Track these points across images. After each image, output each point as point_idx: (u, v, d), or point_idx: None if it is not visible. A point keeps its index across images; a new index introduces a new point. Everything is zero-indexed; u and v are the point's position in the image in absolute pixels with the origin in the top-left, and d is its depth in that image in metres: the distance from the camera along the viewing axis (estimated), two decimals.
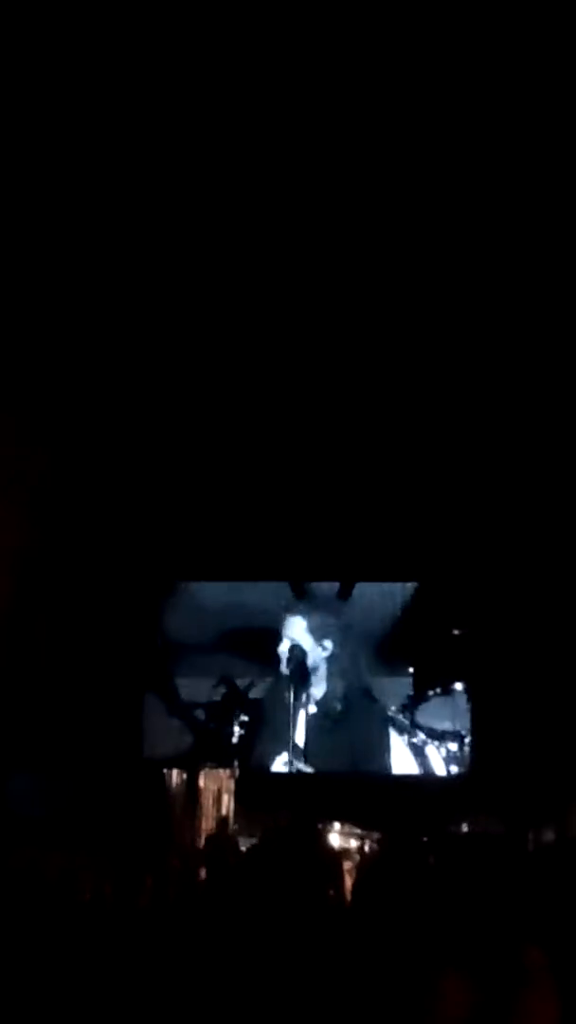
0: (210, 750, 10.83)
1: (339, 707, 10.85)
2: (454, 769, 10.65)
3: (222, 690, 11.16)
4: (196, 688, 11.19)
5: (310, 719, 10.83)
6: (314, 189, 8.60)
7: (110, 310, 9.58)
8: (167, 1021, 4.39)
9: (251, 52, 7.78)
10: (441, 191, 8.61)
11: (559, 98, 7.94)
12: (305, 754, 10.69)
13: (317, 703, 10.89)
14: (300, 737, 10.79)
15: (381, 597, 11.02)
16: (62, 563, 10.25)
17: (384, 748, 10.78)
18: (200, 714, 11.15)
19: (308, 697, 10.86)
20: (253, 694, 11.13)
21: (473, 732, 10.47)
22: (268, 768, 10.76)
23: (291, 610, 11.07)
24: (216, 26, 7.61)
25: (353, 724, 10.82)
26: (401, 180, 8.55)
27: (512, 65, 7.78)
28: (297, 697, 10.77)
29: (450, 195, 8.63)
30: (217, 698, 11.17)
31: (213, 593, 11.23)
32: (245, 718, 11.08)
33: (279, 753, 10.81)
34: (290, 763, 10.70)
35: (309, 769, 10.68)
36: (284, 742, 10.76)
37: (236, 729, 11.08)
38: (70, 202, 8.71)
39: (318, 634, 11.03)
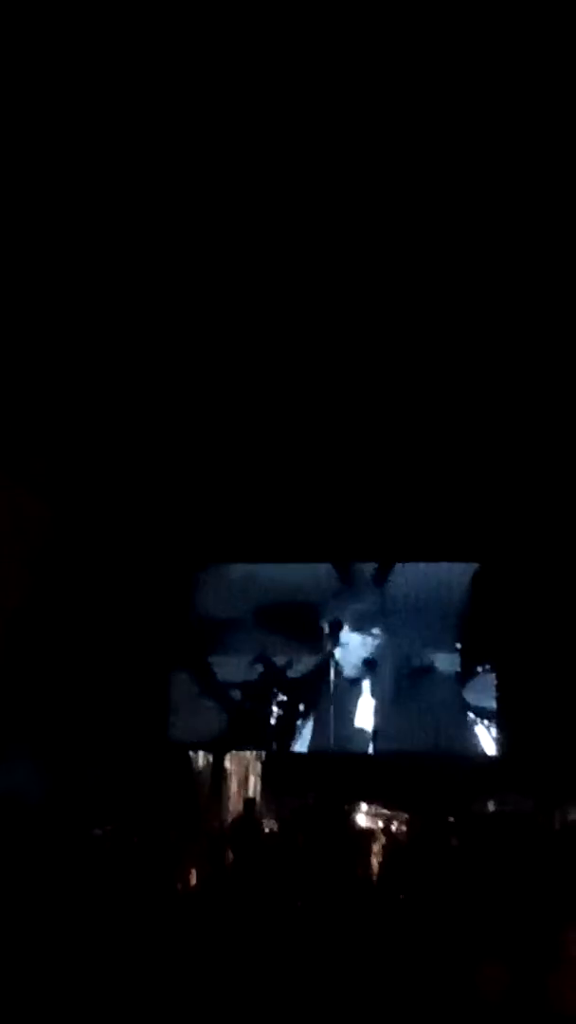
0: (246, 731, 10.53)
1: (408, 685, 10.56)
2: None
3: (259, 669, 10.79)
4: (231, 667, 10.79)
5: (381, 699, 10.57)
6: (309, 179, 8.56)
7: (128, 299, 9.58)
8: (200, 995, 4.39)
9: (251, 52, 7.74)
10: (438, 182, 8.57)
11: (559, 98, 7.89)
12: (375, 735, 10.42)
13: (384, 686, 10.58)
14: (370, 718, 10.53)
15: (424, 576, 10.75)
16: (91, 543, 10.23)
17: (463, 724, 10.43)
18: (236, 694, 10.77)
19: (374, 678, 10.64)
20: (291, 673, 10.78)
21: (501, 712, 10.40)
22: (344, 748, 10.42)
23: (347, 593, 10.80)
24: (216, 26, 7.57)
25: (428, 702, 10.48)
26: (398, 170, 8.51)
27: (512, 65, 7.74)
28: (361, 679, 10.56)
29: (448, 186, 8.59)
30: (253, 677, 10.79)
31: (248, 570, 10.91)
32: (283, 698, 10.74)
33: (348, 734, 10.51)
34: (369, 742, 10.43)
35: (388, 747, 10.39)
36: (351, 722, 10.48)
37: (274, 709, 10.73)
38: (69, 207, 8.72)
39: (377, 616, 10.75)
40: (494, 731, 10.32)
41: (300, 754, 10.42)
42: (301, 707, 10.65)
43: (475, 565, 10.57)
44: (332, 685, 10.52)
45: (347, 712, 10.55)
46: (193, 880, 5.52)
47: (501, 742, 10.22)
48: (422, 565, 10.65)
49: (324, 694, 10.56)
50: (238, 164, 8.41)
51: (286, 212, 8.73)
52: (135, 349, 9.85)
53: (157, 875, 5.31)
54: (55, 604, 10.02)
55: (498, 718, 10.33)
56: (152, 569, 10.44)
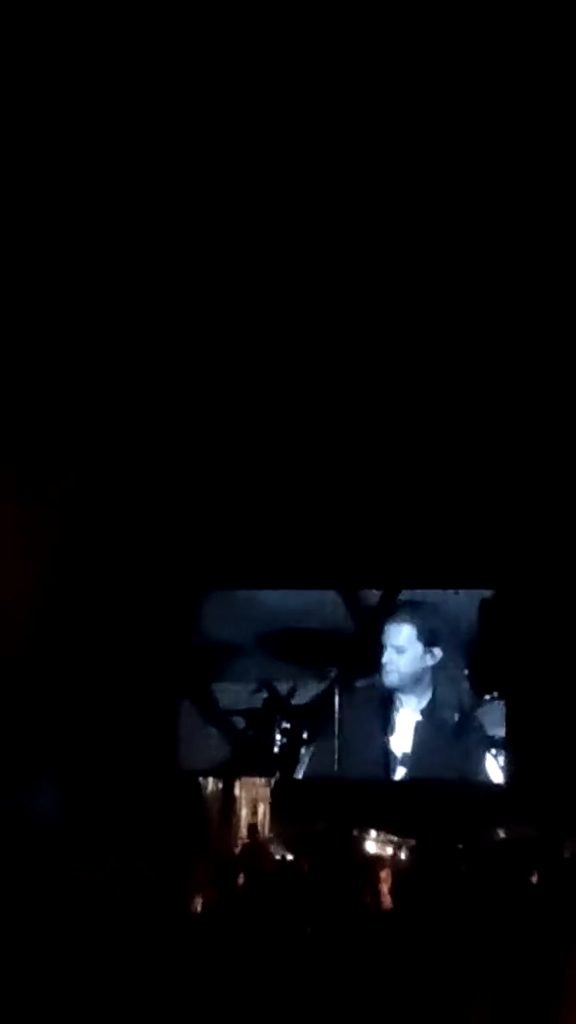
0: (248, 759, 10.53)
1: (456, 717, 10.44)
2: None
3: (262, 696, 10.76)
4: (234, 694, 10.79)
5: (419, 728, 10.50)
6: (311, 177, 8.57)
7: (136, 314, 9.60)
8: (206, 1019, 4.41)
9: (251, 52, 7.77)
10: (439, 178, 8.58)
11: (559, 98, 7.91)
12: (408, 763, 10.41)
13: (423, 711, 10.53)
14: (406, 746, 10.49)
15: (431, 603, 10.73)
16: (96, 567, 10.24)
17: (483, 757, 10.42)
18: (239, 721, 10.76)
19: (414, 706, 10.57)
20: (295, 700, 10.72)
21: (509, 739, 10.37)
22: (347, 776, 10.41)
23: (395, 618, 10.72)
24: (216, 25, 7.61)
25: (461, 733, 10.44)
26: (397, 166, 8.51)
27: (512, 65, 7.76)
28: (399, 704, 10.53)
29: (448, 188, 8.61)
30: (257, 704, 10.77)
31: (251, 595, 10.91)
32: (287, 725, 10.68)
33: (377, 763, 10.46)
34: (391, 771, 10.39)
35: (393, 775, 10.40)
36: (381, 751, 10.44)
37: (278, 737, 10.67)
38: (68, 207, 8.75)
39: (424, 641, 10.63)
40: (502, 760, 10.28)
41: (309, 780, 10.39)
42: (305, 735, 10.61)
43: (483, 592, 10.55)
44: (337, 712, 10.47)
45: (352, 740, 10.51)
46: (200, 906, 5.54)
47: (509, 770, 10.19)
48: (429, 592, 10.60)
49: (328, 721, 10.51)
50: (237, 164, 8.45)
51: (287, 218, 8.74)
52: (141, 367, 9.86)
53: (166, 901, 5.33)
54: (63, 626, 10.03)
55: (507, 746, 10.29)
56: (158, 594, 10.42)
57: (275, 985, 4.67)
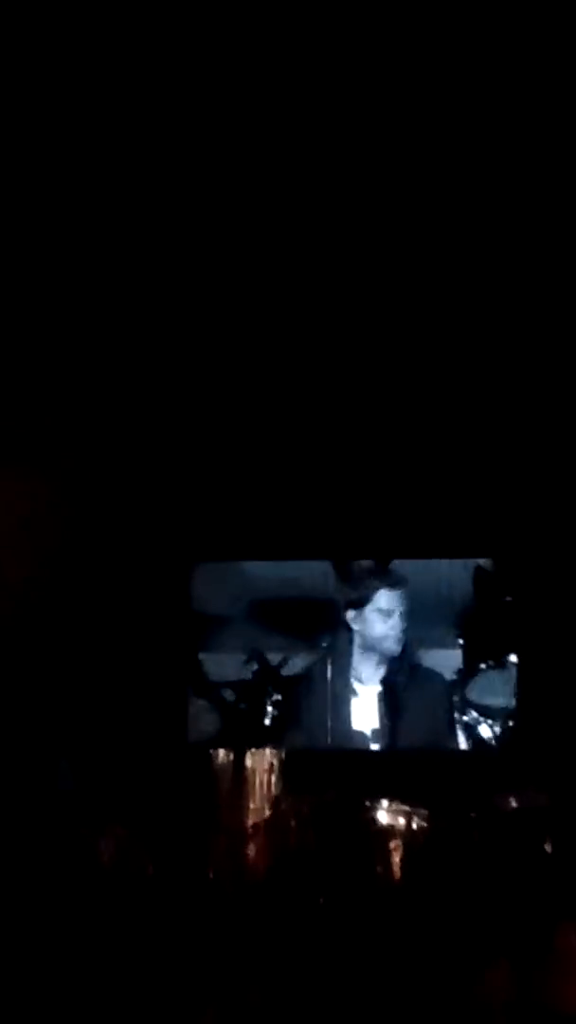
0: (240, 732, 10.34)
1: (445, 687, 10.31)
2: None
3: (253, 667, 10.57)
4: (224, 665, 10.58)
5: (379, 697, 10.37)
6: (302, 158, 8.56)
7: (123, 292, 9.61)
8: (212, 997, 4.41)
9: (251, 51, 7.79)
10: (438, 179, 8.59)
11: (559, 98, 7.91)
12: (374, 734, 10.35)
13: (383, 680, 10.42)
14: (370, 717, 10.40)
15: (424, 568, 10.54)
16: (97, 543, 10.24)
17: (447, 724, 10.33)
18: (228, 694, 10.62)
19: (374, 676, 10.43)
20: (287, 671, 10.53)
21: (519, 703, 10.32)
22: (341, 747, 10.35)
23: (345, 589, 10.54)
24: (216, 25, 7.61)
25: (417, 701, 10.33)
26: (397, 170, 8.54)
27: (512, 66, 7.76)
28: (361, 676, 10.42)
29: (448, 183, 8.62)
30: (247, 676, 10.59)
31: (242, 565, 10.72)
32: (278, 697, 10.55)
33: (346, 731, 10.40)
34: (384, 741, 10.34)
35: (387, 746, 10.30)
36: (348, 720, 10.38)
37: (269, 709, 10.53)
38: (64, 201, 8.79)
39: (375, 612, 10.48)
40: (497, 729, 10.24)
41: (319, 751, 10.35)
42: (297, 705, 10.53)
43: (477, 561, 10.46)
44: (329, 683, 10.39)
45: (345, 710, 10.44)
46: (214, 879, 5.53)
47: (515, 738, 10.18)
48: (422, 561, 10.52)
49: (322, 692, 10.42)
50: (236, 160, 8.45)
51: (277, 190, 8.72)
52: (132, 342, 9.86)
53: (177, 873, 5.33)
54: (67, 599, 10.05)
55: (513, 713, 10.27)
56: (156, 566, 10.40)
57: (289, 956, 4.67)
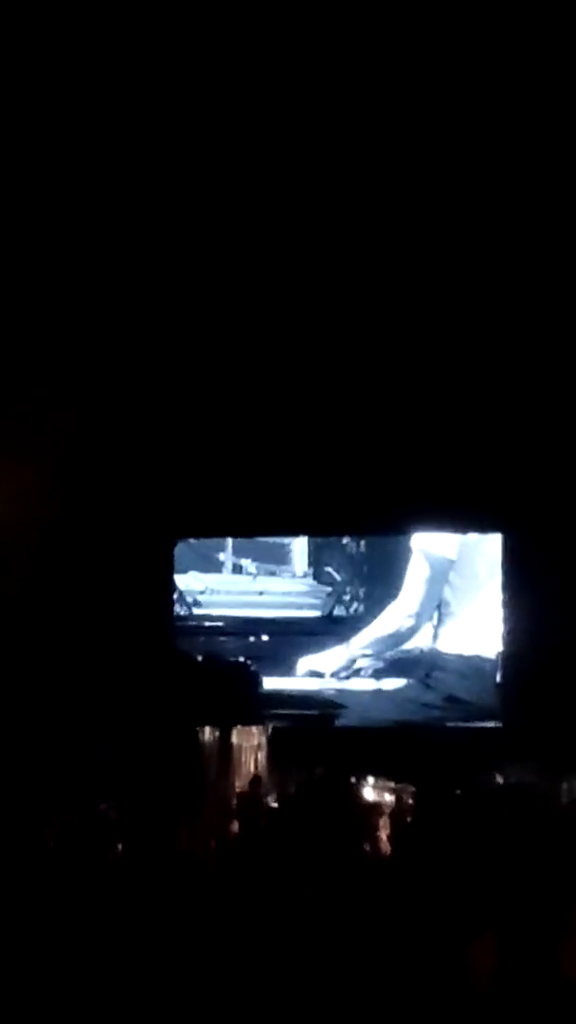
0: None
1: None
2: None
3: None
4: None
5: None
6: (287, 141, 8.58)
7: (115, 278, 9.60)
8: (199, 975, 4.39)
9: (251, 51, 7.82)
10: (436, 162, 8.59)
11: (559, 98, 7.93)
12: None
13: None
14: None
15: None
16: (81, 524, 10.25)
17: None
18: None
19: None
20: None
21: (507, 681, 10.37)
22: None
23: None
24: (216, 25, 7.64)
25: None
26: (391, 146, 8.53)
27: (512, 66, 7.79)
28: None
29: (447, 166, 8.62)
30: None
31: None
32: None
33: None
34: None
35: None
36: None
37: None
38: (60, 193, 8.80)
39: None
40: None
41: (306, 728, 10.41)
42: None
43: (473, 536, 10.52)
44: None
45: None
46: (198, 854, 5.52)
47: (506, 712, 10.22)
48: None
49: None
50: (228, 142, 8.44)
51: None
52: (115, 330, 9.85)
53: (160, 850, 5.31)
54: (53, 578, 10.05)
55: (502, 687, 10.31)
56: (139, 544, 10.43)
57: (275, 933, 4.65)
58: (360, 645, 10.97)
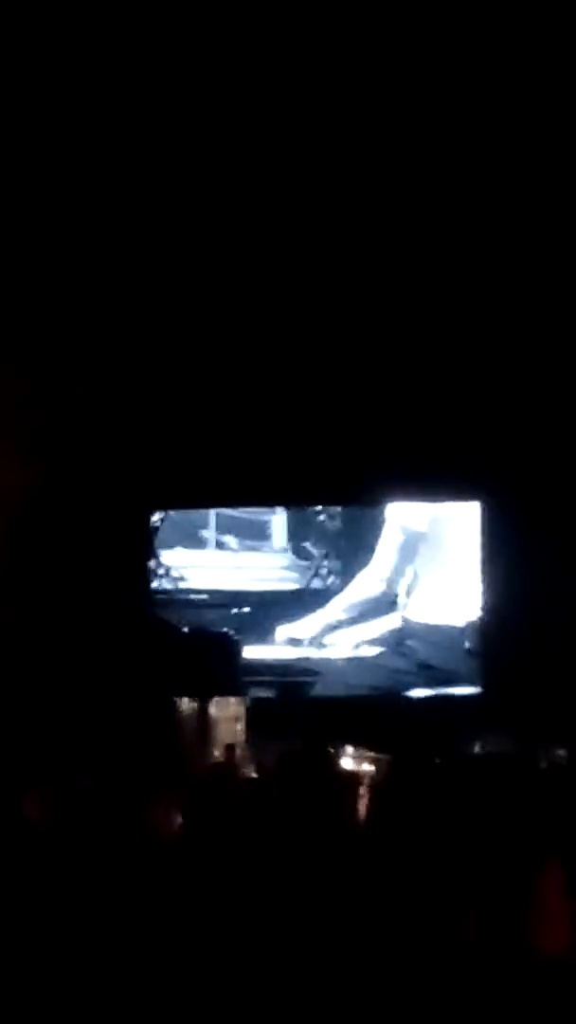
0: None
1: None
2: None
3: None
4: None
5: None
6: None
7: (96, 245, 9.55)
8: (178, 950, 4.36)
9: (251, 51, 7.86)
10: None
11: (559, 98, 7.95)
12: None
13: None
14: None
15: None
16: (58, 495, 10.20)
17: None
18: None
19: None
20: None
21: (484, 649, 10.38)
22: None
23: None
24: (216, 25, 7.68)
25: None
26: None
27: (512, 66, 7.81)
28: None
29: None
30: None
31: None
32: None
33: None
34: None
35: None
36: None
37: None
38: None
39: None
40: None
41: (285, 699, 10.41)
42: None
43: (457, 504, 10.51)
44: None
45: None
46: (172, 829, 5.48)
47: (483, 680, 10.24)
48: None
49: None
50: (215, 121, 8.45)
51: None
52: (94, 299, 9.81)
53: (135, 825, 5.26)
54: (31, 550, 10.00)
55: (481, 655, 10.33)
56: (116, 514, 10.39)
57: (252, 908, 4.62)
58: (335, 611, 10.98)
